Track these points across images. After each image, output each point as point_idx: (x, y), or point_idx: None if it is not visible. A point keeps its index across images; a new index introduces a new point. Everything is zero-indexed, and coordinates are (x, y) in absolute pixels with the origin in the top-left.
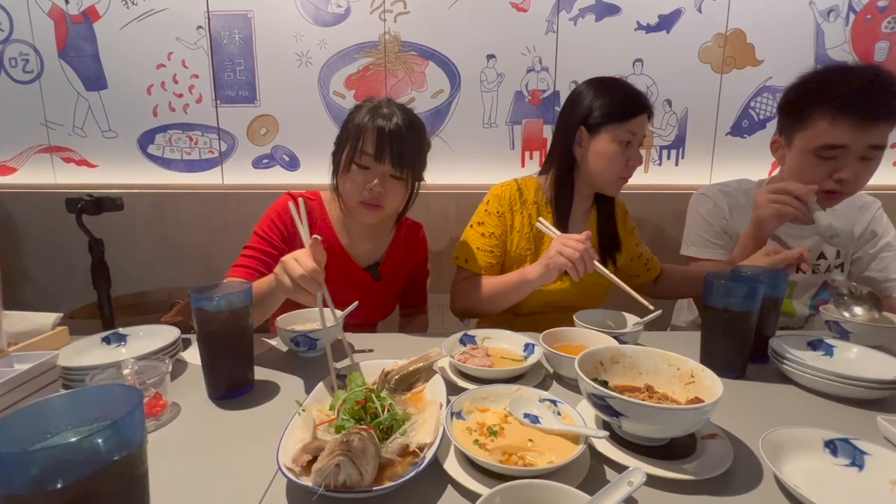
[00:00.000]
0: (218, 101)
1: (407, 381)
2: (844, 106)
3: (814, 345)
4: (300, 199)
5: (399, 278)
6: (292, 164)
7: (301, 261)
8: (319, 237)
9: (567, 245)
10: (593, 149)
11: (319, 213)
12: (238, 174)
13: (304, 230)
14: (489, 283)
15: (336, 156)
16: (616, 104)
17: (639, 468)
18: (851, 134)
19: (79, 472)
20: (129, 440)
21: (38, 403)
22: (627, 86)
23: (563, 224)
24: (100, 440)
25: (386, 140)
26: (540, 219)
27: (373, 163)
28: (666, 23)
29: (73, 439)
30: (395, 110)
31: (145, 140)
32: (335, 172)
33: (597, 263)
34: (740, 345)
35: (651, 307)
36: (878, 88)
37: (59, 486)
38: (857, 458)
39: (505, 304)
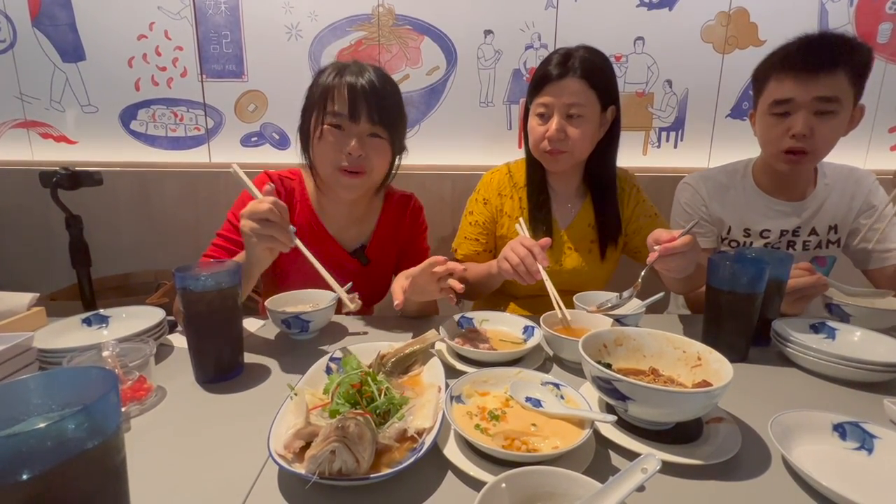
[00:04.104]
0: (204, 76)
1: (403, 364)
2: (785, 61)
3: (816, 327)
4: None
5: (390, 258)
6: (282, 142)
7: (251, 210)
8: (272, 185)
9: (514, 251)
10: (528, 125)
11: (300, 194)
12: (226, 152)
13: (253, 190)
14: (472, 269)
15: (303, 127)
16: (533, 79)
17: (653, 454)
18: (796, 87)
19: (45, 462)
20: (103, 427)
21: (2, 386)
22: (553, 55)
23: (543, 200)
24: (69, 427)
25: (360, 95)
26: (520, 220)
27: (347, 122)
28: None
29: (40, 426)
30: (365, 67)
31: (127, 116)
32: (305, 147)
33: (542, 270)
34: (744, 327)
35: (567, 317)
36: (815, 42)
37: (23, 477)
38: (866, 442)
39: (484, 290)
